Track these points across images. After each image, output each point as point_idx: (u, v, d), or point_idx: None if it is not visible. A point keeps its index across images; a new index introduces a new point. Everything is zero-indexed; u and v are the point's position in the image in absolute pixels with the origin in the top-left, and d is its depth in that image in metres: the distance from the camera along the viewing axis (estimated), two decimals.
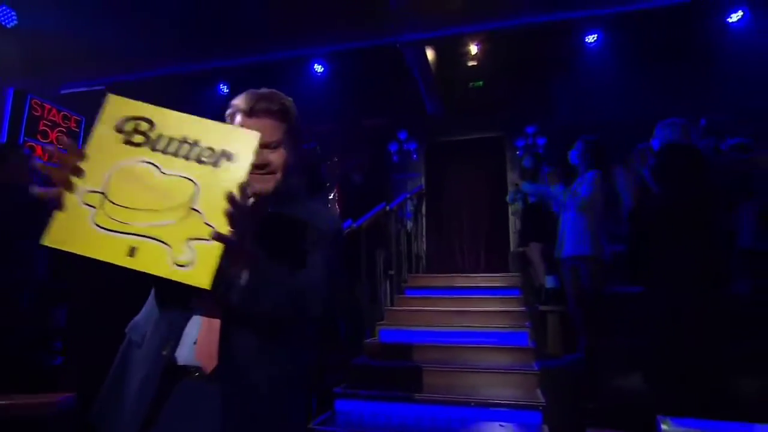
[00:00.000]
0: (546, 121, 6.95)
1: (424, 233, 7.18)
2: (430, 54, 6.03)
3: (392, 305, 4.67)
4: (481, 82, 7.49)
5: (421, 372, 3.29)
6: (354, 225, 3.97)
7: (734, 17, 5.69)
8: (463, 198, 7.33)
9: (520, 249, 5.07)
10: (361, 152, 6.52)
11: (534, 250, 4.68)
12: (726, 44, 5.82)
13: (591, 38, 6.16)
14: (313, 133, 5.38)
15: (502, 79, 7.09)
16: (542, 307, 4.05)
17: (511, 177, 7.07)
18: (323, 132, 6.44)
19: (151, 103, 1.02)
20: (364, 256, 4.04)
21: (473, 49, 6.67)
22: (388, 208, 4.99)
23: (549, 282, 4.27)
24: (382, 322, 4.19)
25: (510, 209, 7.01)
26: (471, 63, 6.82)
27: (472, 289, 5.04)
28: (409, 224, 6.99)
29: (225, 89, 7.06)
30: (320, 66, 6.65)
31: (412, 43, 5.33)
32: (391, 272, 5.12)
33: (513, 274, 5.44)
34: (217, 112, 1.24)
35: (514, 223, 7.03)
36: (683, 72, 6.05)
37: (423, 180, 7.35)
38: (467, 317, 4.09)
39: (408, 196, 6.09)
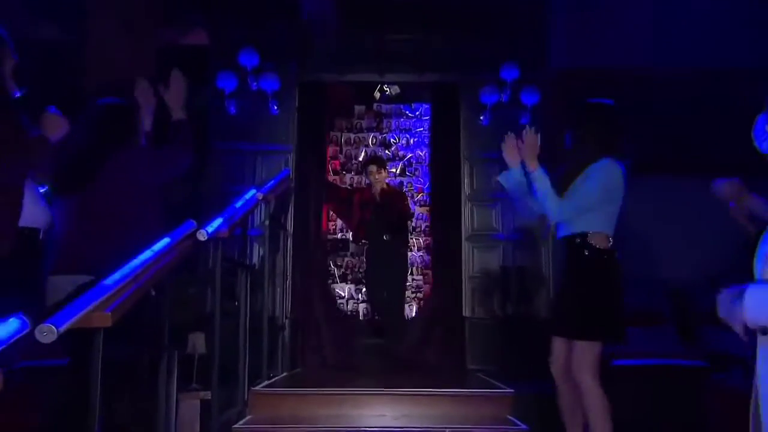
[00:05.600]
0: (539, 61, 3.58)
1: (288, 270, 3.40)
2: None
3: None
4: None
5: None
6: None
7: None
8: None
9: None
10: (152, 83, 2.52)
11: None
12: None
13: None
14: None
15: None
16: None
17: (467, 155, 3.59)
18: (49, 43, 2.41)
19: None
20: None
21: None
22: (203, 233, 1.32)
23: None
24: None
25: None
26: None
27: None
28: (258, 252, 3.23)
29: None
30: None
31: None
32: (207, 396, 2.04)
33: (499, 388, 1.95)
34: None
35: (470, 253, 3.58)
36: None
37: (291, 159, 3.49)
38: None
39: (258, 197, 2.32)
